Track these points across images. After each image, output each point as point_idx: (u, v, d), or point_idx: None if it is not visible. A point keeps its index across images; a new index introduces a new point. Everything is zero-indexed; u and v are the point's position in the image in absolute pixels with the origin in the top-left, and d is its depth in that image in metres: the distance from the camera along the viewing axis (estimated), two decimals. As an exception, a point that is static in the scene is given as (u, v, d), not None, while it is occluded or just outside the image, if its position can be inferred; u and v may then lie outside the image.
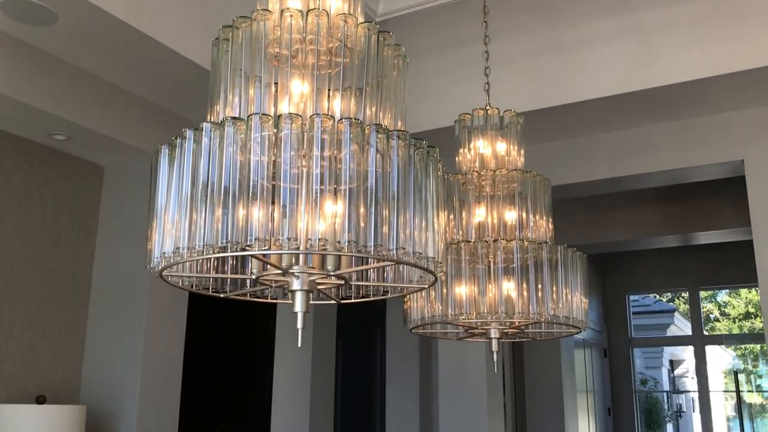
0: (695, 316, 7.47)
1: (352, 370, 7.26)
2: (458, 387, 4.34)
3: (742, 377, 10.54)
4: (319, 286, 1.51)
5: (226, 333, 8.46)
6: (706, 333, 7.62)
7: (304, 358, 4.82)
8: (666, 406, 10.18)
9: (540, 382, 5.95)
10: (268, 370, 5.04)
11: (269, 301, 1.66)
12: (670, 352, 11.36)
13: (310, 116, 1.26)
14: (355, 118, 1.28)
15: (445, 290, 2.24)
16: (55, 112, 3.19)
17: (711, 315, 11.09)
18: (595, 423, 6.87)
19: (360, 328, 7.24)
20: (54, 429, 2.99)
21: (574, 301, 2.23)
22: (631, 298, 11.76)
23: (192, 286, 1.53)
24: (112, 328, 3.64)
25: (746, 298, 11.41)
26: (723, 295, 11.75)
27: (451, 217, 2.34)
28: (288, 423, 4.76)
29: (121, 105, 3.50)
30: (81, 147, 3.61)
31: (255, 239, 1.22)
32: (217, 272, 1.52)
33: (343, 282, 1.51)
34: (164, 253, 1.29)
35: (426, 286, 1.55)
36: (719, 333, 10.17)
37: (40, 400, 3.18)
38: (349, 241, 1.25)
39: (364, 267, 1.49)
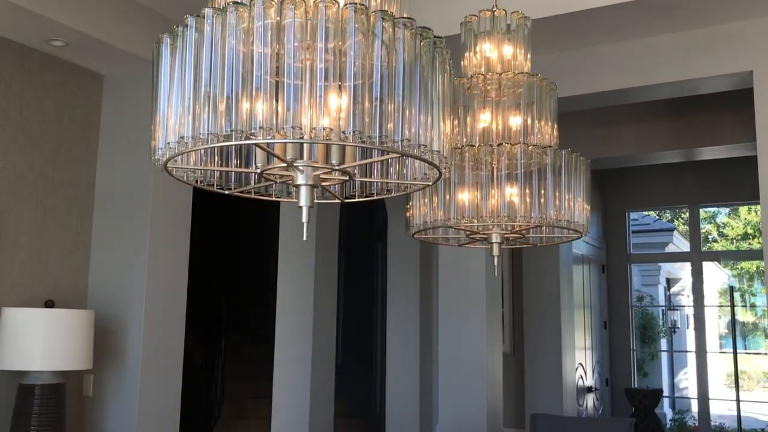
0: (694, 233, 7.53)
1: (354, 286, 7.39)
2: (458, 298, 4.43)
3: (736, 295, 10.73)
4: (324, 183, 1.52)
5: (231, 239, 8.55)
6: (704, 250, 7.70)
7: (307, 271, 4.89)
8: (661, 323, 10.39)
9: (538, 297, 6.06)
10: (272, 274, 5.12)
11: (273, 199, 1.67)
12: (667, 270, 11.53)
13: (314, 1, 1.23)
14: (360, 4, 1.25)
15: (447, 196, 2.25)
16: (52, 16, 3.12)
17: (709, 236, 11.19)
18: (591, 336, 7.04)
19: (361, 244, 7.33)
20: (64, 333, 3.07)
21: (576, 207, 2.24)
22: (632, 217, 11.84)
23: (196, 181, 1.54)
24: (117, 236, 3.69)
25: (745, 219, 11.49)
26: (722, 217, 11.82)
27: (456, 122, 2.33)
28: (293, 324, 4.87)
29: (121, 11, 3.43)
30: (80, 54, 3.55)
31: (259, 128, 1.22)
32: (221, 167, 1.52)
33: (347, 178, 1.52)
34: (168, 143, 1.29)
35: (430, 183, 1.55)
36: (717, 250, 10.28)
37: (49, 305, 3.25)
38: (353, 132, 1.24)
39: (369, 160, 1.49)
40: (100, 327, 3.58)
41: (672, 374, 10.85)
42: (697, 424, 7.53)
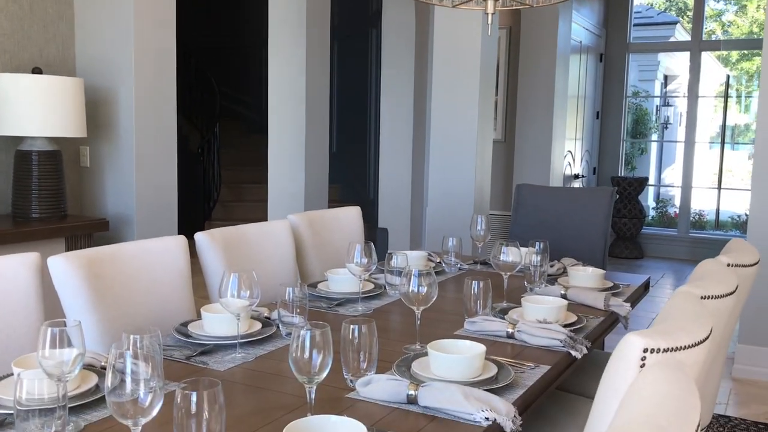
0: (697, 21, 7.31)
1: (348, 73, 7.29)
2: (451, 80, 4.39)
3: (732, 93, 10.66)
4: None
5: (221, 23, 8.29)
6: (704, 39, 7.52)
7: (298, 59, 4.78)
8: (654, 118, 10.45)
9: (533, 85, 6.01)
10: (265, 61, 5.02)
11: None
12: (665, 66, 11.35)
13: None
14: None
15: (440, -52, 2.14)
16: None
17: (713, 36, 10.88)
18: (582, 125, 7.10)
19: (355, 30, 7.12)
20: (54, 99, 3.07)
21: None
22: (636, 9, 11.43)
23: None
24: (99, 6, 3.56)
25: (752, 17, 11.09)
26: (729, 14, 11.40)
27: None
28: (285, 112, 4.88)
29: None
30: None
31: None
32: None
33: None
34: None
35: None
36: (714, 39, 10.04)
37: (37, 71, 3.21)
38: None
39: None
40: (91, 98, 3.58)
41: (660, 169, 11.13)
42: (677, 212, 7.86)
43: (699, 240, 7.42)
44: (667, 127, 10.22)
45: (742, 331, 3.74)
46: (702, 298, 1.55)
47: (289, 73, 4.83)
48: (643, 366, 1.11)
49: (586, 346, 1.77)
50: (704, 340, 1.26)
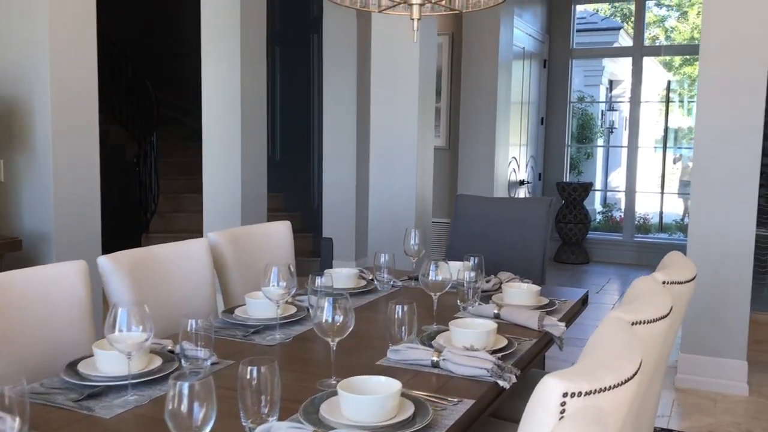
0: (638, 27, 7.37)
1: (289, 79, 7.13)
2: (390, 86, 4.28)
3: (675, 97, 10.83)
4: None
5: (152, 17, 8.01)
6: (646, 44, 7.59)
7: (233, 63, 4.61)
8: (599, 123, 10.55)
9: (475, 91, 5.94)
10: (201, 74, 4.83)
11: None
12: (609, 71, 11.50)
13: None
14: None
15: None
16: None
17: (657, 41, 11.06)
18: (527, 131, 7.08)
19: (296, 35, 6.96)
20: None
21: (501, -38, 2.04)
22: (580, 15, 11.52)
23: None
24: (9, 12, 3.33)
25: (693, 23, 11.32)
26: (672, 20, 11.62)
27: None
28: (220, 119, 4.70)
29: None
30: None
31: None
32: None
33: None
34: None
35: None
36: (655, 44, 10.20)
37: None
38: None
39: None
40: (5, 109, 3.35)
41: (607, 173, 11.25)
42: (622, 216, 7.90)
43: (643, 244, 7.47)
44: (612, 132, 10.33)
45: (685, 340, 3.71)
46: (633, 324, 1.45)
47: (223, 80, 4.65)
48: (563, 413, 1.00)
49: (515, 375, 1.66)
50: (632, 377, 1.16)
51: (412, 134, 4.23)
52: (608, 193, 10.21)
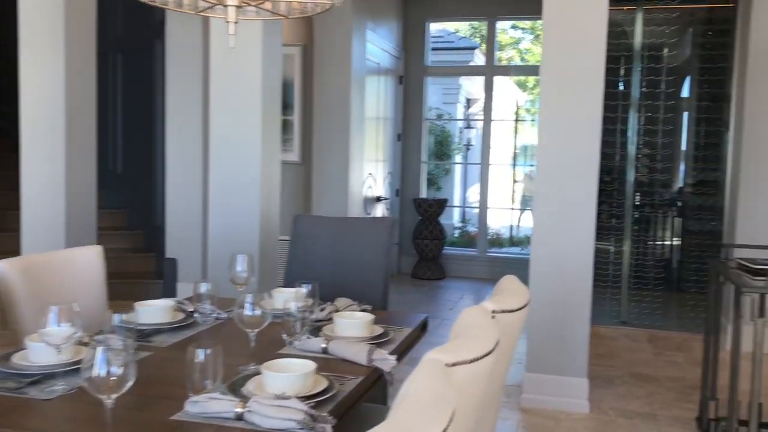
0: (489, 47, 7.54)
1: (134, 87, 6.66)
2: (231, 96, 4.02)
3: (528, 117, 11.26)
4: None
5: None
6: (496, 64, 7.78)
7: (55, 74, 4.16)
8: (457, 139, 10.77)
9: (328, 106, 5.78)
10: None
11: None
12: (467, 90, 11.79)
13: None
14: None
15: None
16: None
17: (512, 62, 11.48)
18: (383, 147, 7.01)
19: (140, 42, 6.52)
20: None
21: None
22: (437, 33, 11.70)
23: None
24: None
25: (545, 45, 11.85)
26: (526, 42, 12.13)
27: None
28: (41, 134, 4.23)
29: None
30: None
31: None
32: None
33: None
34: None
35: None
36: (508, 65, 10.56)
37: None
38: None
39: None
40: None
41: (464, 188, 11.49)
42: (477, 231, 8.03)
43: (495, 259, 7.61)
44: (469, 149, 10.57)
45: (529, 360, 3.70)
46: (453, 365, 1.30)
47: (44, 87, 4.19)
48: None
49: (331, 424, 1.47)
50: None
51: (255, 147, 3.99)
52: (466, 209, 10.41)
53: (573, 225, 3.60)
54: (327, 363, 1.93)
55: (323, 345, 2.00)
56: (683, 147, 6.98)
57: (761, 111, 4.79)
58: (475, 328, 1.52)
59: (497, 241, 8.86)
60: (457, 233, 9.36)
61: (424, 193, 7.79)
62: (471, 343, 1.37)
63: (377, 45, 6.52)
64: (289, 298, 2.13)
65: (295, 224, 3.03)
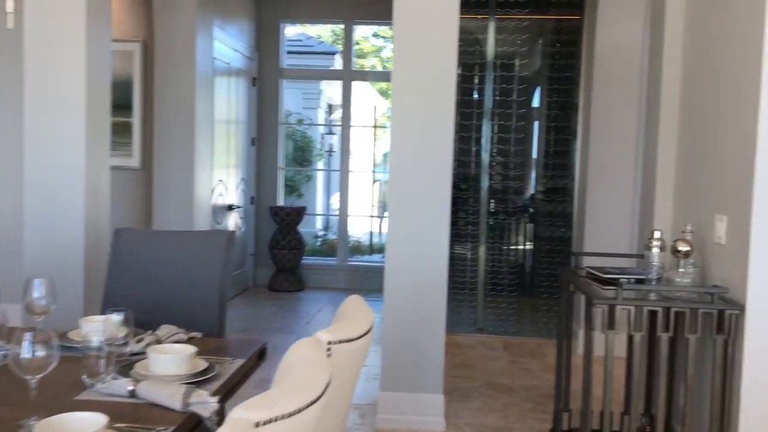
0: (347, 51, 7.38)
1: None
2: (48, 90, 3.55)
3: (388, 123, 11.24)
4: None
5: None
6: (355, 69, 7.64)
7: None
8: (319, 145, 10.57)
9: (171, 107, 5.34)
10: None
11: None
12: (328, 96, 11.61)
13: None
14: None
15: None
16: None
17: (376, 69, 11.43)
18: (237, 152, 6.64)
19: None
20: None
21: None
22: (294, 36, 11.42)
23: None
24: None
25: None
26: (388, 51, 12.13)
27: None
28: None
29: None
30: None
31: None
32: None
33: None
34: None
35: None
36: (365, 70, 10.51)
37: None
38: None
39: None
40: None
41: (328, 195, 11.28)
42: (337, 239, 7.82)
43: (356, 268, 7.44)
44: (331, 155, 10.38)
45: (384, 377, 3.51)
46: (263, 423, 1.04)
47: None
48: None
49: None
50: None
51: (78, 152, 3.54)
52: (329, 217, 10.21)
53: (427, 234, 3.46)
54: (134, 410, 1.62)
55: (130, 387, 1.67)
56: (534, 155, 7.15)
57: (606, 120, 4.92)
58: (301, 370, 1.27)
59: (359, 249, 8.71)
60: (318, 242, 9.12)
61: (281, 201, 7.48)
62: (289, 393, 1.12)
63: (227, 44, 6.15)
64: (95, 329, 1.79)
65: (116, 240, 2.65)
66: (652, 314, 2.56)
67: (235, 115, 6.54)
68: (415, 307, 3.45)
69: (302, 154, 10.12)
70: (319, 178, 11.03)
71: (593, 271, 3.00)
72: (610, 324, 2.48)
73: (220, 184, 6.17)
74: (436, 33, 3.43)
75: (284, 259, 7.00)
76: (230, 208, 6.45)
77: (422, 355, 3.48)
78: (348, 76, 7.32)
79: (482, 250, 5.79)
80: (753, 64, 2.41)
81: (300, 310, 6.26)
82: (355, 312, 1.80)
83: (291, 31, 12.02)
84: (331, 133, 10.68)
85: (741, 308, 2.41)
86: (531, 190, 7.25)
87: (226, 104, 6.29)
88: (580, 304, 3.54)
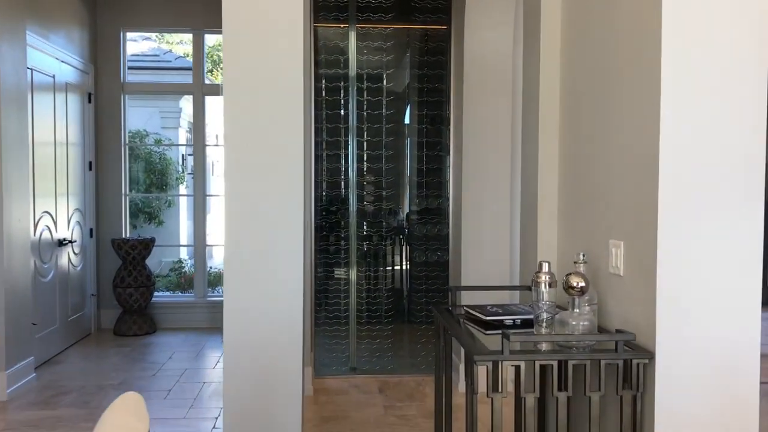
0: (197, 63, 6.66)
1: None
2: None
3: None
4: None
5: None
6: (207, 83, 6.93)
7: None
8: (180, 168, 9.73)
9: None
10: None
11: None
12: (189, 114, 10.77)
13: None
14: None
15: None
16: None
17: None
18: (69, 179, 5.74)
19: None
20: None
21: None
22: (148, 51, 10.52)
23: None
24: None
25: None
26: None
27: None
28: None
29: None
30: None
31: None
32: None
33: None
34: None
35: None
36: (219, 84, 9.78)
37: None
38: None
39: None
40: None
41: (195, 222, 10.39)
42: (194, 270, 7.03)
43: (217, 303, 6.67)
44: (194, 177, 9.54)
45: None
46: None
47: None
48: None
49: None
50: None
51: None
52: (189, 247, 9.33)
53: (277, 270, 2.85)
54: None
55: None
56: (407, 173, 6.72)
57: (479, 134, 4.53)
58: None
59: (219, 282, 7.92)
60: (172, 275, 8.23)
61: (127, 232, 6.61)
62: None
63: (49, 54, 5.28)
64: None
65: None
66: (543, 368, 2.08)
67: (65, 137, 5.65)
68: (262, 364, 2.82)
69: (162, 178, 9.22)
70: (182, 203, 10.14)
71: (473, 312, 2.51)
72: (495, 386, 1.98)
73: (46, 216, 5.26)
74: (281, 43, 2.88)
75: (130, 299, 6.14)
76: (61, 243, 5.53)
77: (275, 420, 2.85)
78: (200, 90, 6.60)
79: (353, 278, 5.25)
80: (650, 64, 2.00)
81: (148, 358, 5.43)
82: (121, 424, 1.17)
83: (145, 45, 11.11)
84: (191, 154, 9.85)
85: (650, 356, 1.97)
86: (406, 210, 6.80)
87: (52, 124, 5.40)
88: (461, 351, 3.04)
